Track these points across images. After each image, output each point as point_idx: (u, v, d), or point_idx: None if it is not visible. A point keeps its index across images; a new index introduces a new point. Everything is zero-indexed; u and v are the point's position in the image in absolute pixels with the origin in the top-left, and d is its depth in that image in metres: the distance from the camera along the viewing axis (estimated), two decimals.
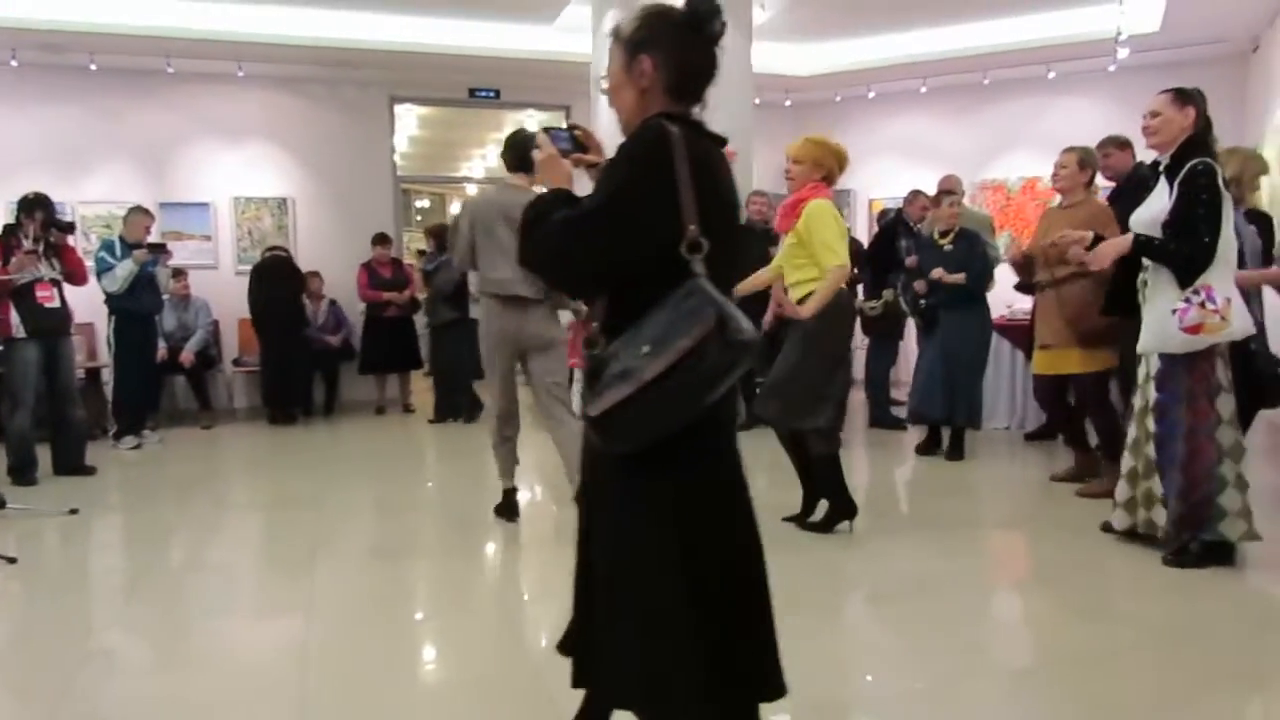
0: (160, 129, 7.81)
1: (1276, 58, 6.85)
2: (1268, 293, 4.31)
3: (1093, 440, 4.65)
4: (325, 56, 7.53)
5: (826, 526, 3.91)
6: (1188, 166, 3.24)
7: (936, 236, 5.56)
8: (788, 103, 9.04)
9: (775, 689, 1.73)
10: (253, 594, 3.52)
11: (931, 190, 6.28)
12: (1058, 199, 4.79)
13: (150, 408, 6.87)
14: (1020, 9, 7.40)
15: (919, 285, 5.63)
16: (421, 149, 11.67)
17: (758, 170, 6.79)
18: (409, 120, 9.99)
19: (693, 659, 1.57)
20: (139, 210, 6.51)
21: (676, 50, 1.66)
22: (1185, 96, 3.34)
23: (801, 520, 3.99)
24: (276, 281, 7.50)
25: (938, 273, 5.40)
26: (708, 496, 1.64)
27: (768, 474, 4.72)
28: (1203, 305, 3.16)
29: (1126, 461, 3.55)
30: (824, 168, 3.79)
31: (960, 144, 8.82)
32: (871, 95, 8.91)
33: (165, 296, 6.84)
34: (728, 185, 1.71)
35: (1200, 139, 3.31)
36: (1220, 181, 3.23)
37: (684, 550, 1.59)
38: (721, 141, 1.74)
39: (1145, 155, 3.98)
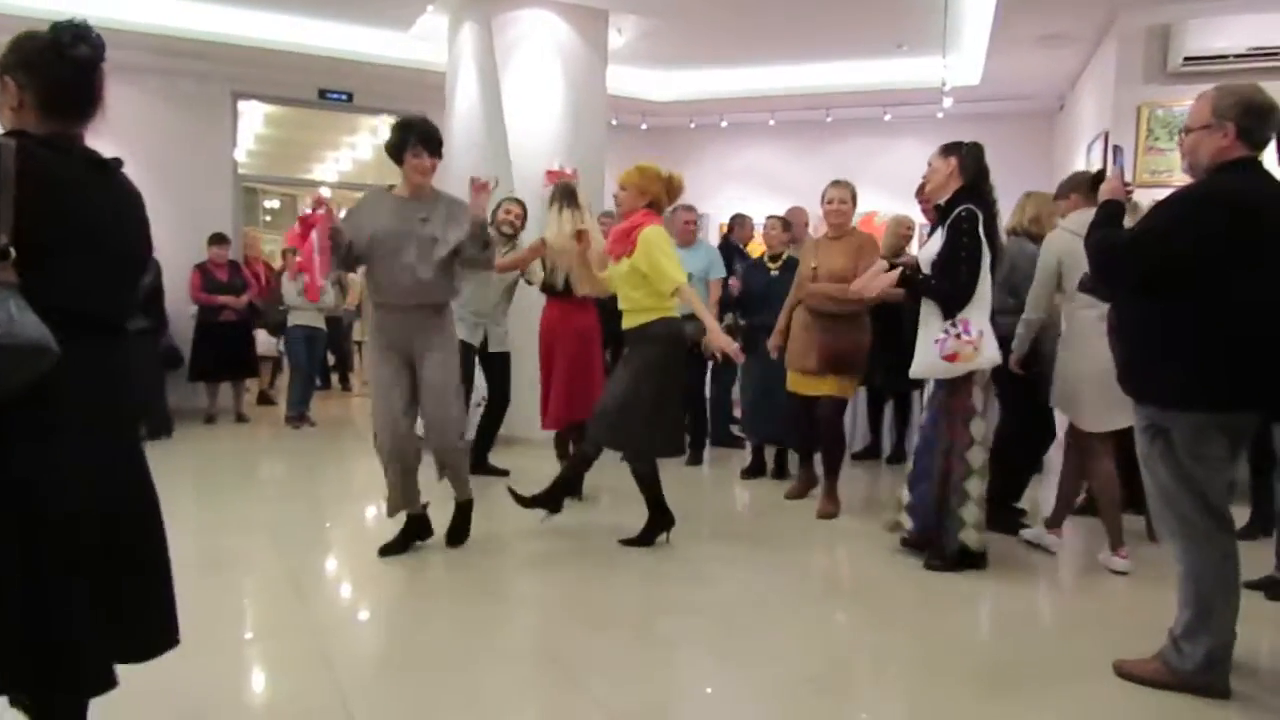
0: None
1: (1077, 117, 7.60)
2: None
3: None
4: (161, 45, 7.13)
5: (647, 539, 4.01)
6: (954, 213, 3.57)
7: (768, 260, 5.74)
8: (644, 126, 9.25)
9: (146, 649, 1.91)
10: None
11: (758, 217, 6.50)
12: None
13: None
14: (859, 54, 7.89)
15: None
16: (270, 148, 11.20)
17: (610, 189, 6.91)
18: (255, 118, 9.58)
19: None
20: None
21: (39, 72, 1.77)
22: (950, 148, 3.71)
23: (522, 499, 3.92)
24: None
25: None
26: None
27: (611, 495, 4.81)
28: (959, 337, 3.50)
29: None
30: (649, 194, 3.85)
31: (804, 176, 9.19)
32: (724, 124, 9.25)
33: None
34: (99, 203, 1.86)
35: (970, 186, 3.63)
36: (980, 228, 3.53)
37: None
38: (114, 163, 1.94)
39: None
